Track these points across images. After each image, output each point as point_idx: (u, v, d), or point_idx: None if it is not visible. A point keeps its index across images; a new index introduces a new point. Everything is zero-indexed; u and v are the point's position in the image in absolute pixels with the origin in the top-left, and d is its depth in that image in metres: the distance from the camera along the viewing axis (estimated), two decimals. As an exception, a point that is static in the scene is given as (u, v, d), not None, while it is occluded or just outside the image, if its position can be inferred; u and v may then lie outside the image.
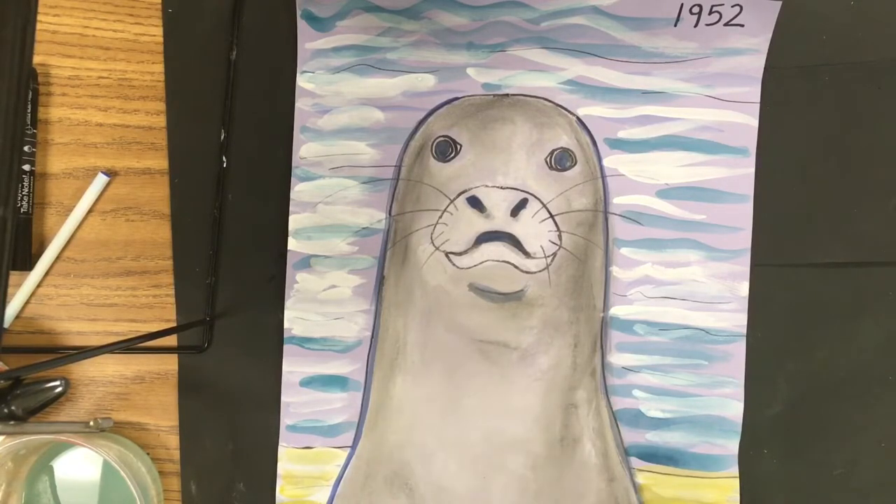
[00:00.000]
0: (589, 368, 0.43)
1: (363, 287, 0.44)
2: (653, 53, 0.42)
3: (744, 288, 0.42)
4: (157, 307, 0.46)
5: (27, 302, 0.46)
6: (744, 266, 0.42)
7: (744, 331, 0.42)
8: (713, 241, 0.42)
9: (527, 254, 0.41)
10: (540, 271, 0.41)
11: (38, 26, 0.39)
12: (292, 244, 0.44)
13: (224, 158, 0.45)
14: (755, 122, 0.42)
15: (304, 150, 0.44)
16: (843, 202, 0.43)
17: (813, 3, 0.42)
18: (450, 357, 0.43)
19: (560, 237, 0.41)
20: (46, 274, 0.46)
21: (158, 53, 0.45)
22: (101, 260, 0.46)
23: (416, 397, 0.43)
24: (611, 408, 0.43)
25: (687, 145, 0.42)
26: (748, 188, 0.42)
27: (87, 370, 0.46)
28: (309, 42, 0.44)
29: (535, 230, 0.41)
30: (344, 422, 0.44)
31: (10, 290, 0.38)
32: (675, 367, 0.43)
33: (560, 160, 0.42)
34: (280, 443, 0.44)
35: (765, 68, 0.42)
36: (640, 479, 0.43)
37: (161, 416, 0.46)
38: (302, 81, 0.44)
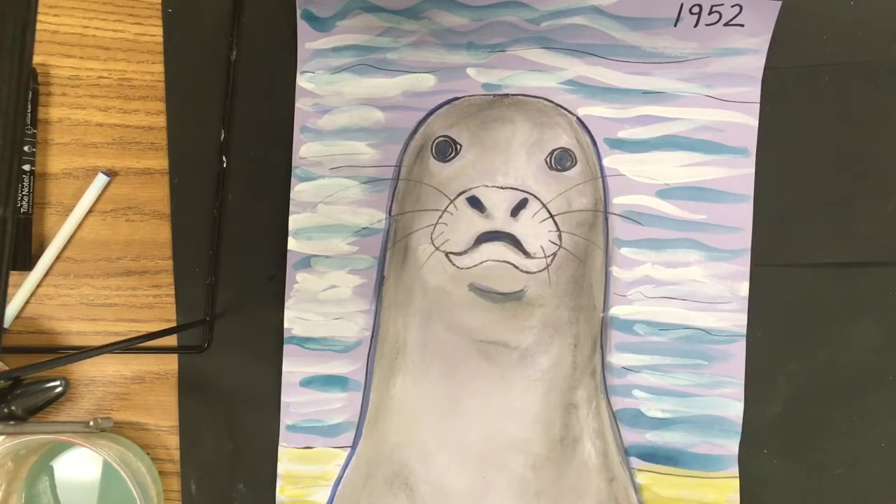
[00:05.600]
0: (589, 368, 0.43)
1: (363, 287, 0.44)
2: (653, 53, 0.42)
3: (744, 288, 0.42)
4: (157, 307, 0.46)
5: (27, 302, 0.46)
6: (744, 266, 0.42)
7: (744, 331, 0.42)
8: (713, 241, 0.42)
9: (527, 254, 0.41)
10: (540, 271, 0.41)
11: (38, 26, 0.39)
12: (292, 244, 0.44)
13: (224, 158, 0.45)
14: (755, 122, 0.42)
15: (304, 150, 0.44)
16: (843, 202, 0.43)
17: (813, 3, 0.42)
18: (450, 357, 0.43)
19: (560, 237, 0.41)
20: (46, 274, 0.46)
21: (158, 53, 0.45)
22: (101, 260, 0.46)
23: (416, 397, 0.43)
24: (611, 408, 0.43)
25: (687, 145, 0.42)
26: (748, 188, 0.42)
27: (87, 370, 0.46)
28: (309, 42, 0.44)
29: (535, 230, 0.41)
30: (344, 422, 0.44)
31: (10, 290, 0.38)
32: (675, 367, 0.43)
33: (560, 160, 0.42)
34: (280, 443, 0.44)
35: (765, 68, 0.42)
36: (640, 479, 0.43)
37: (161, 416, 0.46)
38: (302, 81, 0.44)
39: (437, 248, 0.42)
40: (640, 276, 0.43)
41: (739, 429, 0.42)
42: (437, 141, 0.43)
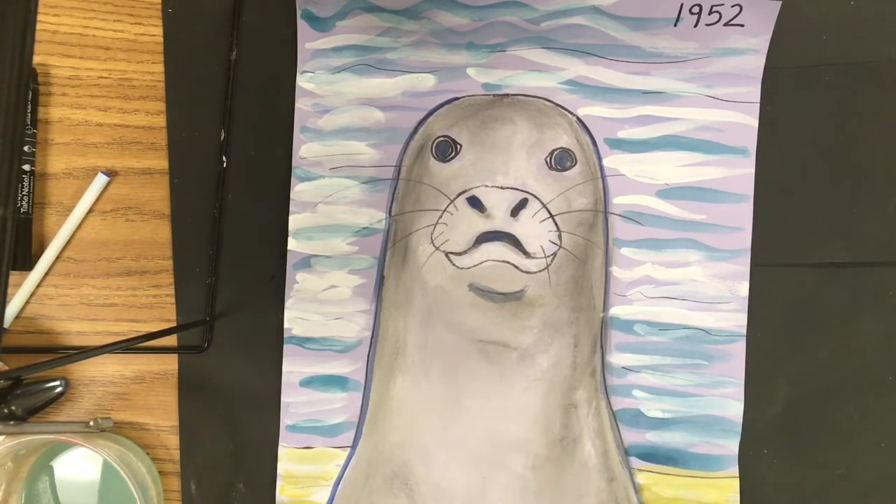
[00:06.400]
0: (589, 368, 0.43)
1: (363, 287, 0.44)
2: (653, 53, 0.42)
3: (744, 288, 0.42)
4: (157, 307, 0.46)
5: (27, 302, 0.46)
6: (744, 266, 0.42)
7: (744, 331, 0.42)
8: (713, 241, 0.42)
9: (527, 254, 0.41)
10: (540, 271, 0.41)
11: (38, 26, 0.39)
12: (292, 244, 0.44)
13: (224, 158, 0.45)
14: (755, 122, 0.42)
15: (304, 150, 0.44)
16: (843, 202, 0.43)
17: (813, 3, 0.42)
18: (450, 357, 0.43)
19: (560, 237, 0.41)
20: (46, 274, 0.46)
21: (158, 53, 0.45)
22: (101, 260, 0.46)
23: (416, 397, 0.43)
24: (611, 408, 0.43)
25: (687, 145, 0.42)
26: (748, 188, 0.42)
27: (87, 370, 0.46)
28: (309, 42, 0.44)
29: (535, 230, 0.41)
30: (344, 422, 0.44)
31: (10, 290, 0.38)
32: (675, 367, 0.43)
33: (560, 160, 0.42)
34: (280, 443, 0.44)
35: (765, 68, 0.42)
36: (640, 479, 0.43)
37: (161, 416, 0.46)
38: (302, 81, 0.44)
39: (437, 248, 0.42)
40: (640, 276, 0.43)
41: (739, 429, 0.42)
42: (437, 141, 0.43)
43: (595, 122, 0.43)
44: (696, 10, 0.41)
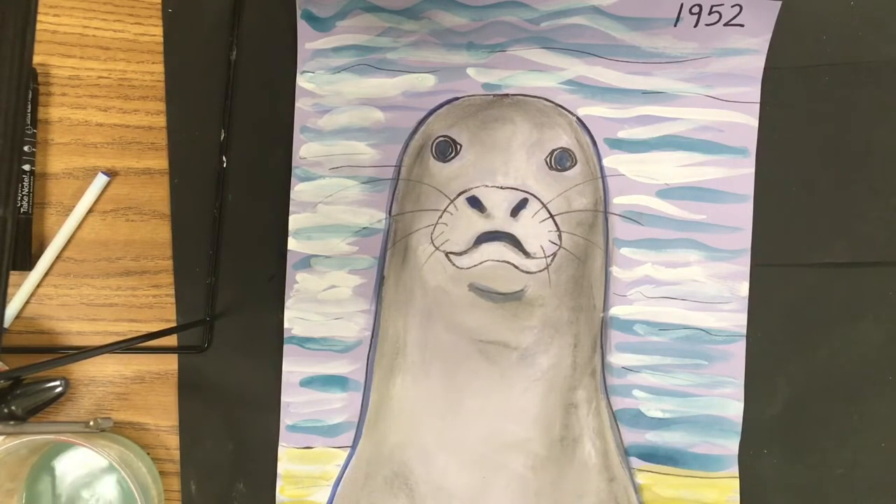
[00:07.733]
0: (589, 368, 0.43)
1: (363, 287, 0.44)
2: (653, 53, 0.42)
3: (744, 288, 0.42)
4: (157, 307, 0.46)
5: (27, 302, 0.46)
6: (744, 266, 0.42)
7: (744, 331, 0.42)
8: (713, 241, 0.42)
9: (527, 254, 0.41)
10: (540, 271, 0.41)
11: (38, 26, 0.39)
12: (292, 244, 0.44)
13: (224, 158, 0.45)
14: (755, 122, 0.42)
15: (304, 150, 0.44)
16: (843, 202, 0.43)
17: (813, 3, 0.42)
18: (450, 357, 0.43)
19: (560, 237, 0.41)
20: (46, 274, 0.46)
21: (158, 53, 0.45)
22: (101, 260, 0.46)
23: (416, 397, 0.43)
24: (611, 408, 0.43)
25: (687, 145, 0.42)
26: (748, 188, 0.42)
27: (87, 370, 0.46)
28: (309, 42, 0.44)
29: (535, 230, 0.41)
30: (344, 422, 0.44)
31: (10, 290, 0.38)
32: (675, 367, 0.43)
33: (560, 160, 0.42)
34: (280, 443, 0.44)
35: (765, 68, 0.42)
36: (640, 479, 0.43)
37: (161, 416, 0.46)
38: (302, 81, 0.44)
39: (437, 248, 0.42)
40: (640, 276, 0.43)
41: (739, 429, 0.42)
42: (437, 141, 0.43)
43: (595, 122, 0.43)
44: (696, 10, 0.41)
